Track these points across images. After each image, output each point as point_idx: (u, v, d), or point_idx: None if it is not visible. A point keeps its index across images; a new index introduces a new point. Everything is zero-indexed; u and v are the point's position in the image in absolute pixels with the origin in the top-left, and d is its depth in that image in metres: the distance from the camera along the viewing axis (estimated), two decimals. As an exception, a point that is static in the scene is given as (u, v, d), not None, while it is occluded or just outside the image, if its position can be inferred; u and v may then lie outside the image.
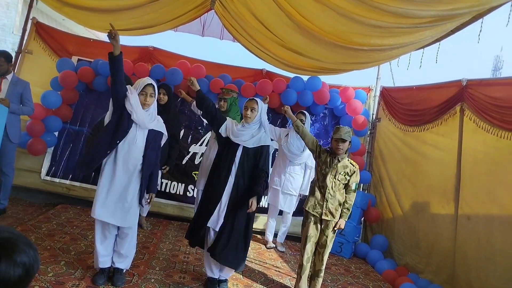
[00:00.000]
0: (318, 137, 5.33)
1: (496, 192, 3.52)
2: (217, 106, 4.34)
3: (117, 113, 2.72)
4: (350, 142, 3.23)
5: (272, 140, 4.97)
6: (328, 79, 5.21)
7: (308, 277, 3.37)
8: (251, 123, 3.03)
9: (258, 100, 3.08)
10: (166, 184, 5.04)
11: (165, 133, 2.95)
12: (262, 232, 4.87)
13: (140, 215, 3.55)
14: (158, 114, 2.93)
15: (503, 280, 3.31)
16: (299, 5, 3.35)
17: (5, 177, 3.95)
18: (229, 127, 3.06)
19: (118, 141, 2.70)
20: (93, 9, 3.99)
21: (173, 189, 5.06)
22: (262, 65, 5.10)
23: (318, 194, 3.28)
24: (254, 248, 4.46)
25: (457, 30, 3.34)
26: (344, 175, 3.24)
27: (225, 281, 3.20)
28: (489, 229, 3.53)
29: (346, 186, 3.27)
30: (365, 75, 5.76)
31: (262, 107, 3.07)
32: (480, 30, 3.19)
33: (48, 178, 4.84)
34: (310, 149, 3.46)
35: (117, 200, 2.73)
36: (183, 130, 5.09)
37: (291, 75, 5.08)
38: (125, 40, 3.93)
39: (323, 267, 3.33)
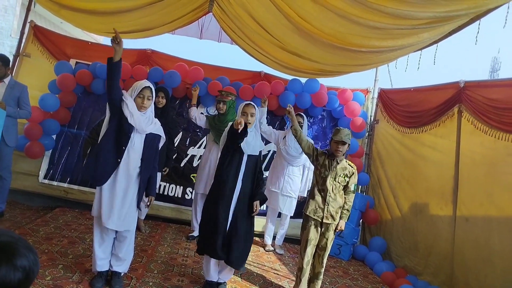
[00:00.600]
0: (316, 139, 5.33)
1: (494, 194, 3.52)
2: (215, 109, 4.38)
3: (115, 118, 2.71)
4: (349, 144, 3.21)
5: (270, 143, 5.03)
6: (326, 81, 5.21)
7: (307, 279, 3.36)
8: (251, 128, 3.04)
9: (254, 104, 3.12)
10: (165, 186, 5.03)
11: (163, 135, 2.94)
12: (261, 235, 4.85)
13: (138, 218, 3.54)
14: (156, 117, 2.92)
15: (501, 281, 3.31)
16: (297, 6, 3.34)
17: (2, 181, 3.93)
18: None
19: (124, 147, 2.69)
20: (90, 11, 3.98)
21: (171, 192, 5.05)
22: (260, 67, 5.10)
23: (318, 198, 3.24)
24: (252, 251, 4.41)
25: (454, 32, 3.34)
26: (344, 177, 3.22)
27: (224, 283, 3.19)
28: (487, 230, 3.53)
29: (345, 188, 3.26)
30: (363, 77, 5.75)
31: (257, 110, 3.12)
32: (478, 32, 3.19)
33: (46, 181, 4.83)
34: (306, 154, 3.37)
35: (119, 205, 2.72)
36: (181, 132, 5.09)
37: (289, 77, 5.09)
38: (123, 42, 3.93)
39: (323, 269, 3.32)
